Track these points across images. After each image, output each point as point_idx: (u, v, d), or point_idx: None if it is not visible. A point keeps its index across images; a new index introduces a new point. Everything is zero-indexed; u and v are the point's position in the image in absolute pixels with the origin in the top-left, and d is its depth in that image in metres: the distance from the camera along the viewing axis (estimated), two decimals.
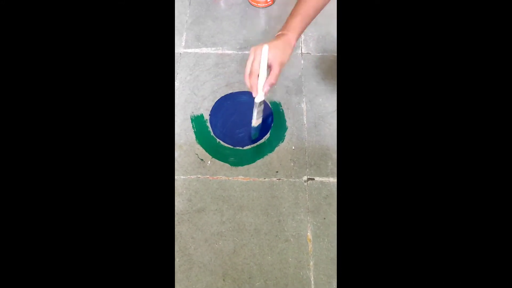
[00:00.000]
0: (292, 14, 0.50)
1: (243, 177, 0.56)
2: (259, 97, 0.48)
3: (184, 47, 0.70)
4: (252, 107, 0.51)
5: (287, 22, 0.51)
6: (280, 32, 0.50)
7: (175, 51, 0.70)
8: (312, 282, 0.49)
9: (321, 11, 0.51)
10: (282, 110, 0.63)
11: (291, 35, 0.49)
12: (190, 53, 0.70)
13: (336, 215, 0.52)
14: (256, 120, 0.53)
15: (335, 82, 0.66)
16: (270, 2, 0.76)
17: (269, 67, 0.47)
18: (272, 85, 0.47)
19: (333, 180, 0.56)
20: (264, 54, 0.46)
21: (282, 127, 0.61)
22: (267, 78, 0.47)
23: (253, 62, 0.46)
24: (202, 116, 0.62)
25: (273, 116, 0.62)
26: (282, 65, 0.48)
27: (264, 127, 0.60)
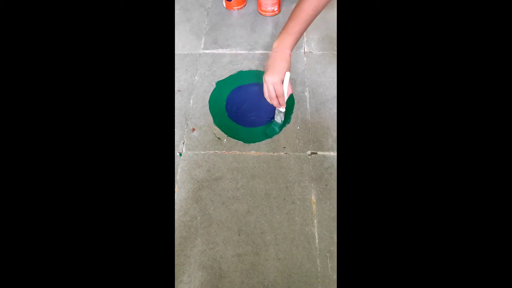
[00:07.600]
0: (287, 31, 0.58)
1: (254, 152, 0.65)
2: (282, 108, 0.65)
3: (203, 48, 0.82)
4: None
5: (282, 39, 0.58)
6: (276, 48, 0.58)
7: (195, 52, 0.81)
8: (316, 237, 0.55)
9: (319, 16, 0.60)
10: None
11: (286, 51, 0.58)
12: (208, 53, 0.81)
13: (336, 182, 0.59)
14: (278, 119, 0.68)
15: (333, 75, 0.75)
16: (277, 12, 0.88)
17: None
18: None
19: (333, 154, 0.64)
20: (285, 82, 0.60)
21: (288, 112, 0.70)
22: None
23: (273, 89, 0.59)
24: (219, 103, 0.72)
25: None
26: (288, 80, 0.60)
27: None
